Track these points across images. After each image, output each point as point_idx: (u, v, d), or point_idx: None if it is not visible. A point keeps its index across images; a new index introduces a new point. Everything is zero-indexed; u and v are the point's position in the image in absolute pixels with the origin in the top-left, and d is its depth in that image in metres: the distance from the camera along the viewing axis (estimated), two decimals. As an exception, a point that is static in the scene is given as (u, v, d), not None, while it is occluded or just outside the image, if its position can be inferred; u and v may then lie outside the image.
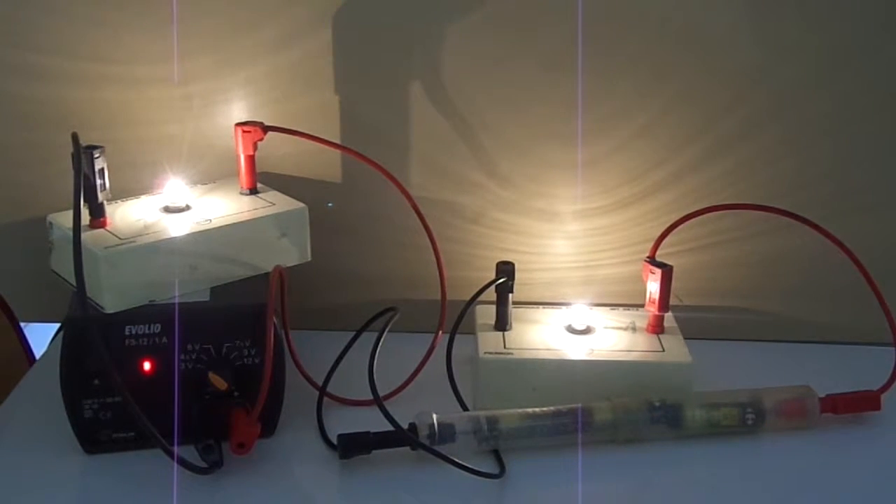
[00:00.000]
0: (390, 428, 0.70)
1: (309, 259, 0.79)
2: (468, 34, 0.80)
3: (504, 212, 0.86)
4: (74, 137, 0.70)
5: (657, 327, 0.79)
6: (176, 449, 0.66)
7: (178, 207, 0.77)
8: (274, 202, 0.78)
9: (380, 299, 0.83)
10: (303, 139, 0.79)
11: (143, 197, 0.79)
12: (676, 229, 0.80)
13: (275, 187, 0.81)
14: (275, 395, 0.71)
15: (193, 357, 0.70)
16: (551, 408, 0.72)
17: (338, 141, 0.83)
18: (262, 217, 0.76)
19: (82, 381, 0.69)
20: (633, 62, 0.80)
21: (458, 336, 0.78)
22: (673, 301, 0.79)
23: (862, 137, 0.83)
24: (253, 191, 0.79)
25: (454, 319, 0.78)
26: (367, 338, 0.77)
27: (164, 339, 0.69)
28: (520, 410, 0.72)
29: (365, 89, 0.82)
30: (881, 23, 0.79)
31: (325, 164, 0.84)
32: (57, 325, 0.88)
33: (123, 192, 0.78)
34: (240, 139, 0.78)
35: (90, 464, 0.71)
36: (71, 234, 0.67)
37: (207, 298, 0.73)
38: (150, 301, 0.71)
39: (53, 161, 0.83)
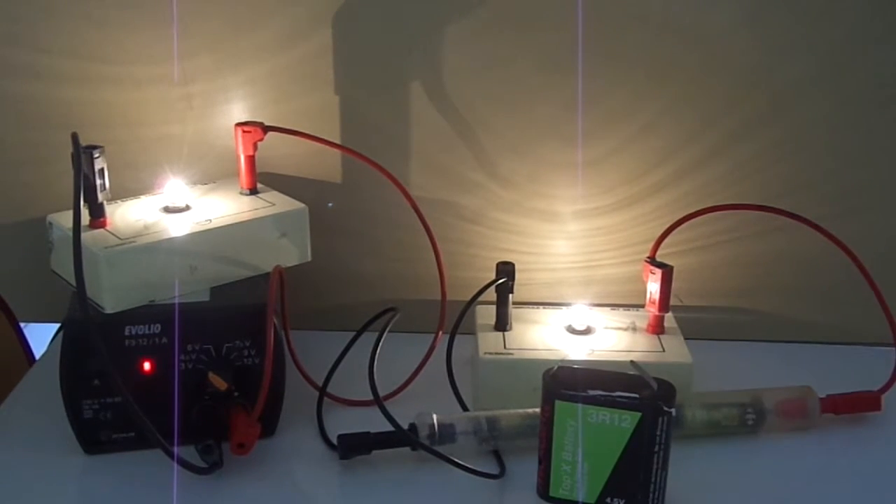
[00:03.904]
0: (390, 428, 0.69)
1: (309, 259, 0.79)
2: (468, 34, 0.80)
3: (504, 212, 0.86)
4: (74, 137, 0.70)
5: (657, 327, 0.79)
6: (176, 449, 0.66)
7: (178, 207, 0.77)
8: (274, 202, 0.78)
9: (380, 299, 0.83)
10: (303, 139, 0.79)
11: (143, 197, 0.79)
12: (676, 229, 0.80)
13: (275, 187, 0.81)
14: (275, 396, 0.71)
15: (193, 357, 0.70)
16: (551, 408, 0.72)
17: (338, 141, 0.83)
18: (262, 217, 0.76)
19: (82, 382, 0.69)
20: (633, 62, 0.80)
21: (458, 336, 0.77)
22: (673, 301, 0.79)
23: (861, 137, 0.83)
24: (253, 191, 0.79)
25: (454, 319, 0.78)
26: (367, 338, 0.77)
27: (164, 340, 0.69)
28: (520, 410, 0.72)
29: (365, 89, 0.82)
30: (880, 23, 0.79)
31: (325, 164, 0.84)
32: (57, 325, 0.88)
33: (123, 192, 0.78)
34: (240, 139, 0.78)
35: (90, 464, 0.71)
36: (71, 234, 0.67)
37: (207, 298, 0.73)
38: (150, 301, 0.71)
39: (53, 161, 0.83)
